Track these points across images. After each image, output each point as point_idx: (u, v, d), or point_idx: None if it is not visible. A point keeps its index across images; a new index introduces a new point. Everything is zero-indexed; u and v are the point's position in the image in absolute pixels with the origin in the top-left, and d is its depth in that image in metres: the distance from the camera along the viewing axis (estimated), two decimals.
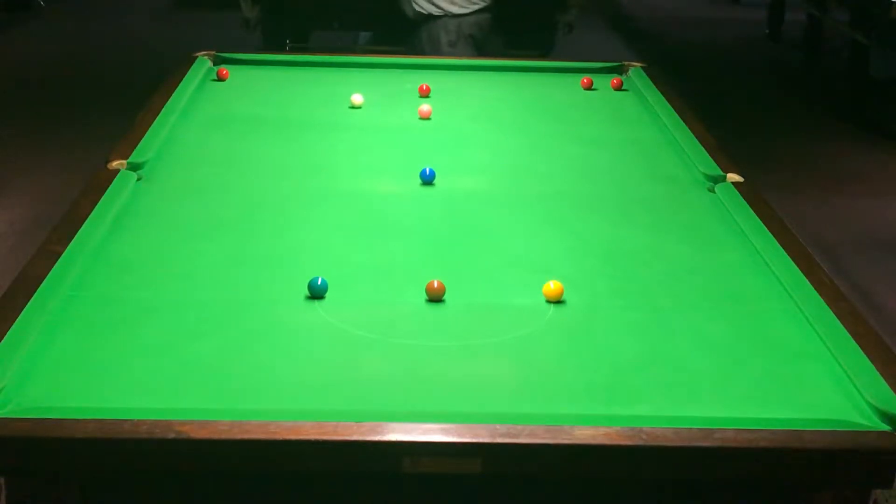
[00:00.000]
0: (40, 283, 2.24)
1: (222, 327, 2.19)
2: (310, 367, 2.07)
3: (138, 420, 1.80)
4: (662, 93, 3.80)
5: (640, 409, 1.94)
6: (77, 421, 1.80)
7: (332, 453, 1.80)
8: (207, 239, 2.62)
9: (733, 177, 3.01)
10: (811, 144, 6.69)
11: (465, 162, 3.26)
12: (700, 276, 2.51)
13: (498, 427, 1.82)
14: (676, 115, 3.56)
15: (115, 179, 2.85)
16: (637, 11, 10.46)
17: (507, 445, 1.80)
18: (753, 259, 2.57)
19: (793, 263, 2.46)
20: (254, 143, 3.34)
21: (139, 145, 3.11)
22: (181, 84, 3.72)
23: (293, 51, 5.69)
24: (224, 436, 1.79)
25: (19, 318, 2.09)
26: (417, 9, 5.02)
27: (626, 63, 4.21)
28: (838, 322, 2.19)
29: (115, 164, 2.96)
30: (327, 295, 2.31)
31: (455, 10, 4.98)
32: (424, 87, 3.84)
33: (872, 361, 2.04)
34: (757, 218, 2.73)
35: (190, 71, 3.88)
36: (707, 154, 3.19)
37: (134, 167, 2.97)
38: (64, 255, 2.38)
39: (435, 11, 5.06)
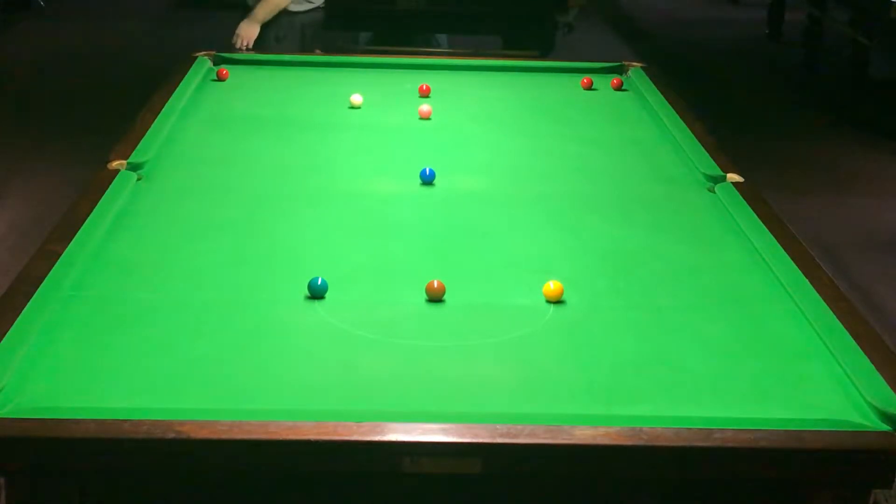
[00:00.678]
0: (40, 283, 2.24)
1: (222, 327, 2.19)
2: (309, 367, 2.07)
3: (138, 420, 1.80)
4: (662, 93, 3.80)
5: (640, 409, 1.94)
6: (77, 421, 1.80)
7: (331, 453, 1.80)
8: (207, 239, 2.62)
9: (733, 177, 3.01)
10: (811, 144, 6.69)
11: (465, 162, 3.26)
12: (700, 276, 2.51)
13: (498, 427, 1.82)
14: (676, 115, 3.56)
15: (115, 179, 2.85)
16: (637, 11, 10.45)
17: (507, 445, 1.80)
18: (753, 259, 2.57)
19: (793, 263, 2.46)
20: (254, 142, 3.34)
21: (139, 145, 3.11)
22: (181, 84, 3.72)
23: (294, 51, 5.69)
24: (224, 436, 1.78)
25: (19, 318, 2.09)
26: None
27: (626, 63, 4.21)
28: (838, 322, 2.19)
29: (115, 164, 2.96)
30: (327, 295, 2.31)
31: (293, 7, 5.11)
32: (424, 87, 3.83)
33: (872, 361, 2.04)
34: (757, 218, 2.73)
35: (190, 71, 3.88)
36: (707, 154, 3.19)
37: (134, 167, 2.97)
38: (64, 255, 2.38)
39: None
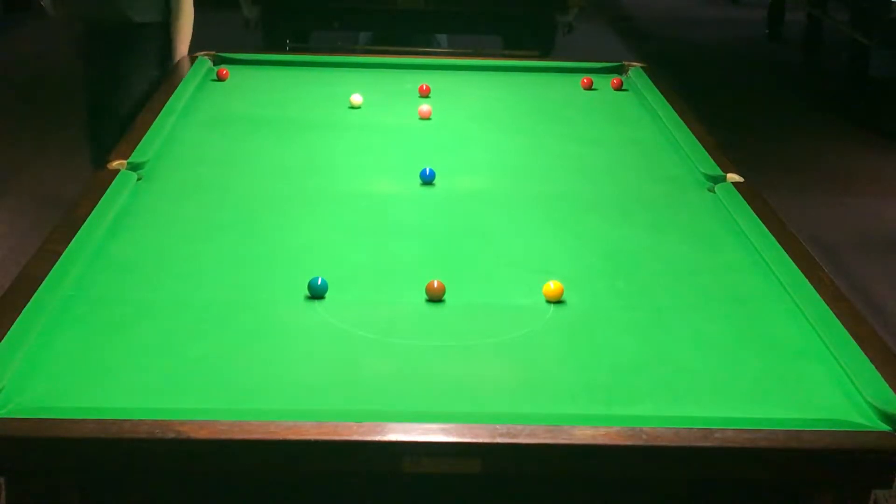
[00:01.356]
0: (40, 283, 2.24)
1: (222, 327, 2.20)
2: (310, 367, 2.07)
3: (138, 420, 1.80)
4: (662, 93, 3.80)
5: (640, 409, 1.94)
6: (77, 421, 1.80)
7: (332, 453, 1.80)
8: (207, 239, 2.62)
9: (733, 177, 3.02)
10: (811, 144, 6.69)
11: (465, 162, 3.26)
12: (700, 276, 2.51)
13: (498, 427, 1.82)
14: (676, 115, 3.56)
15: (115, 179, 2.85)
16: (637, 11, 10.46)
17: (507, 445, 1.80)
18: (753, 259, 2.57)
19: (793, 263, 2.46)
20: (254, 143, 3.34)
21: (139, 145, 3.11)
22: (181, 84, 3.73)
23: (293, 51, 5.69)
24: (224, 436, 1.79)
25: (19, 318, 2.09)
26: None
27: (626, 63, 4.21)
28: (838, 322, 2.19)
29: (115, 164, 2.96)
30: (327, 295, 2.31)
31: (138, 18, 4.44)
32: (424, 87, 3.84)
33: (872, 361, 2.04)
34: (757, 218, 2.73)
35: (190, 71, 3.88)
36: (707, 154, 3.19)
37: (134, 167, 2.97)
38: (64, 255, 2.38)
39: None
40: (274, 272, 2.45)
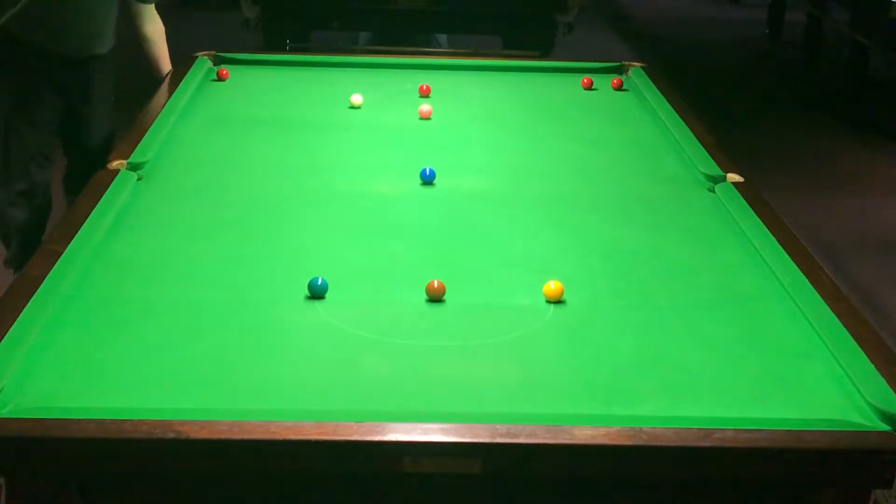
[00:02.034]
0: (40, 283, 2.24)
1: (222, 327, 2.20)
2: (310, 367, 2.07)
3: (138, 420, 1.80)
4: (662, 93, 3.80)
5: (640, 409, 1.94)
6: (77, 421, 1.80)
7: (332, 453, 1.80)
8: (207, 239, 2.62)
9: (733, 177, 3.02)
10: (811, 144, 6.69)
11: (465, 162, 3.26)
12: (700, 276, 2.51)
13: (498, 427, 1.82)
14: (676, 115, 3.56)
15: (115, 179, 2.85)
16: (637, 11, 10.46)
17: (507, 445, 1.80)
18: (753, 259, 2.57)
19: (793, 263, 2.46)
20: (254, 143, 3.34)
21: (139, 145, 3.11)
22: (181, 84, 3.73)
23: (293, 51, 5.69)
24: (224, 436, 1.79)
25: (19, 318, 2.09)
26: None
27: (626, 63, 4.21)
28: (838, 322, 2.20)
29: (115, 164, 2.96)
30: (327, 295, 2.31)
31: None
32: (424, 87, 3.84)
33: (872, 361, 2.04)
34: (757, 218, 2.73)
35: (190, 71, 3.88)
36: (707, 154, 3.19)
37: (134, 167, 2.97)
38: (64, 255, 2.38)
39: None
40: (274, 272, 2.45)
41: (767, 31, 9.34)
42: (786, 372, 2.10)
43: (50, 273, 2.29)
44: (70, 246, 2.43)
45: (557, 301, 2.32)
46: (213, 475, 1.88)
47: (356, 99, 3.70)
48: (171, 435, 1.78)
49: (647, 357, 2.14)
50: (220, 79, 3.93)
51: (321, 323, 2.23)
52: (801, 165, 6.31)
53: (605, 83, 4.03)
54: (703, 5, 10.89)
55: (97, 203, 2.68)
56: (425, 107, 3.62)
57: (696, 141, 3.31)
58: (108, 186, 2.80)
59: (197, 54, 4.08)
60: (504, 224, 2.79)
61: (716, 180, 3.02)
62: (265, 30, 6.23)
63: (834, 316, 2.22)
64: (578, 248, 2.65)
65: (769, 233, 2.63)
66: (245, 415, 1.83)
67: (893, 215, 5.59)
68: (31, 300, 2.17)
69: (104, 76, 3.80)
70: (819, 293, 2.32)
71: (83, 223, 2.56)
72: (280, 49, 5.87)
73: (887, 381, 1.97)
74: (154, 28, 3.92)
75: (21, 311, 2.12)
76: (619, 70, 4.17)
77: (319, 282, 2.31)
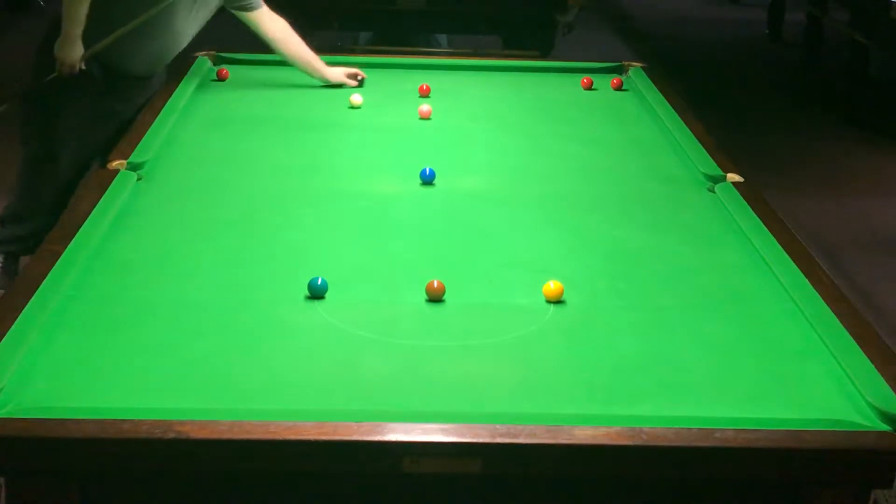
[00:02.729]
0: (40, 283, 2.24)
1: (222, 327, 2.19)
2: (310, 367, 2.07)
3: (138, 420, 1.80)
4: (662, 93, 3.80)
5: (640, 409, 1.94)
6: (77, 421, 1.80)
7: (332, 453, 1.80)
8: (207, 239, 2.62)
9: (733, 177, 3.02)
10: (811, 144, 6.68)
11: (465, 162, 3.26)
12: (700, 276, 2.51)
13: (498, 427, 1.82)
14: (676, 115, 3.56)
15: (115, 179, 2.85)
16: (637, 11, 10.45)
17: (507, 445, 1.80)
18: (753, 259, 2.57)
19: (793, 263, 2.46)
20: (254, 143, 3.34)
21: (139, 145, 3.11)
22: (181, 84, 3.73)
23: None
24: (224, 436, 1.79)
25: (19, 318, 2.09)
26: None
27: (626, 63, 4.21)
28: (838, 322, 2.19)
29: (115, 164, 2.96)
30: (327, 295, 2.31)
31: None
32: (424, 87, 3.84)
33: (872, 361, 2.04)
34: (757, 218, 2.73)
35: (190, 71, 3.88)
36: (707, 154, 3.20)
37: (134, 167, 2.97)
38: (64, 255, 2.38)
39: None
40: (274, 272, 2.45)
41: (767, 31, 9.34)
42: (786, 372, 2.10)
43: (50, 273, 2.29)
44: (70, 246, 2.43)
45: (557, 301, 2.32)
46: (213, 475, 1.88)
47: (356, 99, 3.70)
48: (171, 435, 1.78)
49: (647, 357, 2.14)
50: (220, 79, 3.93)
51: (321, 323, 2.23)
52: (801, 165, 6.30)
53: (605, 83, 4.03)
54: (703, 5, 10.89)
55: (97, 203, 2.68)
56: (425, 107, 3.62)
57: (696, 141, 3.31)
58: (108, 186, 2.80)
59: (197, 54, 4.08)
60: (504, 224, 2.79)
61: (716, 180, 3.02)
62: None
63: (834, 316, 2.22)
64: (578, 248, 2.65)
65: (769, 233, 2.63)
66: (245, 415, 1.83)
67: (893, 215, 5.58)
68: (31, 300, 2.16)
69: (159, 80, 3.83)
70: (819, 293, 2.32)
71: (83, 223, 2.56)
72: None
73: (887, 381, 1.97)
74: (276, 27, 3.84)
75: (21, 311, 2.12)
76: (619, 70, 4.17)
77: (319, 282, 2.31)
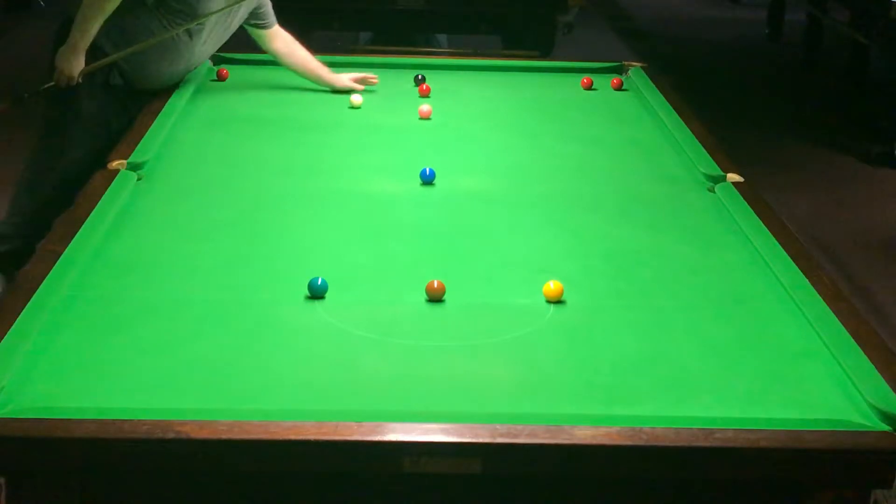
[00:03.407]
0: (40, 283, 2.24)
1: (222, 327, 2.19)
2: (310, 367, 2.07)
3: (138, 420, 1.80)
4: (662, 93, 3.80)
5: (640, 409, 1.94)
6: (77, 421, 1.80)
7: (332, 453, 1.80)
8: (207, 239, 2.62)
9: (733, 177, 3.02)
10: (811, 144, 6.68)
11: (465, 162, 3.26)
12: (700, 276, 2.51)
13: (498, 427, 1.82)
14: (676, 115, 3.56)
15: (115, 179, 2.85)
16: (637, 11, 10.45)
17: (507, 445, 1.80)
18: (753, 259, 2.57)
19: (793, 263, 2.46)
20: (254, 143, 3.34)
21: (139, 145, 3.11)
22: (181, 84, 3.72)
23: None
24: (224, 436, 1.78)
25: (19, 318, 2.09)
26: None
27: (626, 63, 4.22)
28: (838, 322, 2.19)
29: (115, 164, 2.96)
30: (327, 295, 2.31)
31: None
32: (424, 87, 3.84)
33: (872, 361, 2.04)
34: (757, 218, 2.73)
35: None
36: (707, 154, 3.20)
37: (134, 167, 2.97)
38: (64, 255, 2.38)
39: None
40: (274, 272, 2.45)
41: (767, 32, 9.33)
42: (786, 372, 2.10)
43: (50, 273, 2.29)
44: (70, 246, 2.43)
45: (557, 301, 2.32)
46: (213, 475, 1.88)
47: (356, 99, 3.70)
48: (171, 435, 1.78)
49: (647, 357, 2.13)
50: (220, 79, 3.93)
51: (321, 323, 2.23)
52: (800, 165, 6.30)
53: (605, 83, 4.03)
54: (703, 5, 10.89)
55: (97, 203, 2.68)
56: (425, 107, 3.62)
57: (696, 141, 3.31)
58: (108, 186, 2.80)
59: None
60: (504, 224, 2.79)
61: (716, 180, 3.02)
62: None
63: (834, 316, 2.22)
64: (578, 248, 2.65)
65: (769, 233, 2.63)
66: (245, 415, 1.83)
67: (893, 215, 5.59)
68: (31, 300, 2.16)
69: None
70: (819, 293, 2.32)
71: (83, 223, 2.56)
72: None
73: (887, 381, 1.97)
74: (285, 41, 3.87)
75: (21, 311, 2.12)
76: (619, 70, 4.17)
77: (319, 282, 2.31)
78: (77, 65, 3.45)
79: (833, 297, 2.30)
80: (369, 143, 3.39)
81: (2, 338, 2.01)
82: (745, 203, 2.83)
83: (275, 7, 3.91)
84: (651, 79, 3.98)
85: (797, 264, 2.45)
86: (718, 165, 3.10)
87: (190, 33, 3.60)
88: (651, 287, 2.45)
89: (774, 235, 2.61)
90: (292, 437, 1.79)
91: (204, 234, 2.66)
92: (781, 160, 6.28)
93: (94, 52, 3.49)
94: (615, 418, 1.87)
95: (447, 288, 2.33)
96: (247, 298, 2.33)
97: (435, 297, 2.32)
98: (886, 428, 1.87)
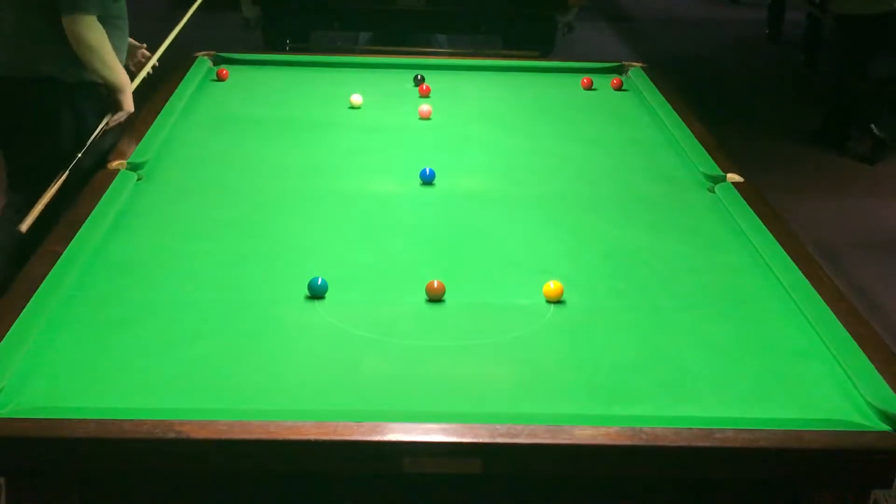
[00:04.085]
0: (40, 283, 2.24)
1: (222, 327, 2.20)
2: (310, 367, 2.07)
3: (138, 420, 1.80)
4: (662, 93, 3.80)
5: (640, 409, 1.94)
6: (77, 421, 1.80)
7: (332, 453, 1.80)
8: (207, 239, 2.62)
9: (733, 177, 3.02)
10: (811, 144, 6.69)
11: (465, 162, 3.26)
12: (700, 276, 2.51)
13: (498, 427, 1.82)
14: (676, 115, 3.56)
15: (115, 179, 2.85)
16: (637, 11, 10.46)
17: (507, 445, 1.80)
18: (753, 259, 2.57)
19: (793, 263, 2.46)
20: (254, 143, 3.34)
21: (139, 145, 3.11)
22: (181, 84, 3.73)
23: (293, 51, 5.70)
24: (224, 436, 1.79)
25: (19, 318, 2.10)
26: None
27: (626, 63, 4.22)
28: (838, 322, 2.20)
29: (115, 164, 2.96)
30: (327, 295, 2.31)
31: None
32: (424, 87, 3.84)
33: (872, 361, 2.04)
34: (757, 218, 2.73)
35: (190, 71, 3.88)
36: (707, 154, 3.20)
37: (134, 167, 2.97)
38: (64, 255, 2.38)
39: None
40: (274, 272, 2.45)
41: (767, 31, 9.34)
42: (786, 372, 2.10)
43: (50, 273, 2.29)
44: (70, 246, 2.43)
45: (557, 301, 2.32)
46: (213, 475, 1.88)
47: (356, 99, 3.70)
48: (171, 435, 1.78)
49: (647, 357, 2.14)
50: (220, 79, 3.93)
51: (321, 323, 2.23)
52: (800, 165, 6.30)
53: (605, 83, 4.03)
54: (703, 5, 10.89)
55: (97, 203, 2.68)
56: (425, 107, 3.62)
57: (696, 141, 3.31)
58: (108, 186, 2.80)
59: (197, 54, 4.08)
60: (504, 224, 2.79)
61: (716, 180, 3.02)
62: (265, 30, 6.24)
63: (834, 316, 2.22)
64: (578, 248, 2.65)
65: (769, 233, 2.63)
66: (245, 415, 1.83)
67: (894, 215, 5.59)
68: (31, 300, 2.17)
69: None
70: (819, 293, 2.32)
71: (83, 223, 2.56)
72: (280, 49, 5.87)
73: (887, 381, 1.97)
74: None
75: (21, 311, 2.12)
76: (619, 70, 4.17)
77: (319, 282, 2.31)
78: (130, 97, 3.46)
79: (833, 298, 2.30)
80: (369, 143, 3.39)
81: (2, 338, 2.02)
82: (745, 203, 2.83)
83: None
84: (651, 79, 3.98)
85: (797, 264, 2.46)
86: (718, 165, 3.10)
87: (123, 26, 3.54)
88: (651, 287, 2.45)
89: (774, 235, 2.61)
90: (292, 437, 1.79)
91: (204, 234, 2.66)
92: (781, 160, 6.28)
93: (60, 85, 3.39)
94: (615, 418, 1.87)
95: (447, 288, 2.33)
96: (247, 298, 2.33)
97: (435, 297, 2.32)
98: (886, 428, 1.87)
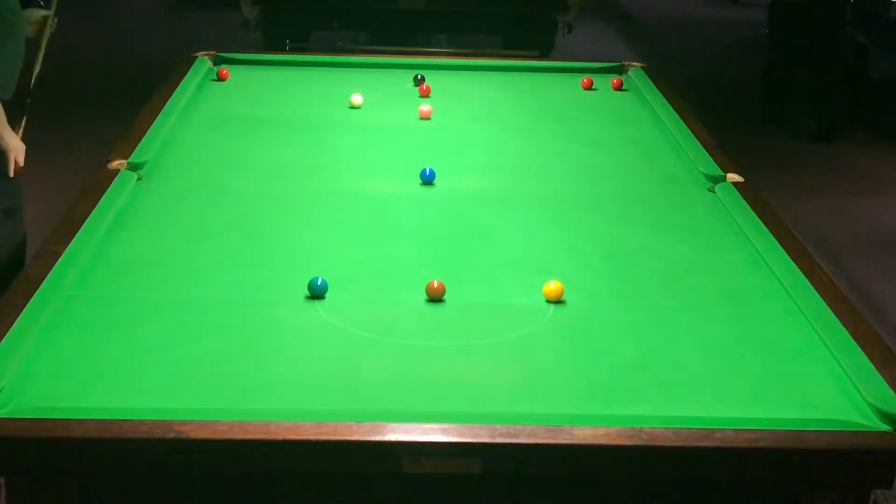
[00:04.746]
0: (40, 283, 2.24)
1: (222, 327, 2.19)
2: (310, 367, 2.07)
3: (138, 420, 1.80)
4: (662, 93, 3.80)
5: (640, 409, 1.94)
6: (77, 421, 1.80)
7: (332, 453, 1.80)
8: (208, 239, 2.62)
9: (733, 177, 3.02)
10: (811, 144, 6.69)
11: (465, 162, 3.26)
12: (700, 276, 2.51)
13: (498, 427, 1.82)
14: (676, 115, 3.56)
15: (115, 179, 2.85)
16: (637, 11, 10.46)
17: (507, 445, 1.80)
18: (753, 259, 2.57)
19: (793, 263, 2.46)
20: (254, 143, 3.34)
21: (139, 145, 3.11)
22: (181, 84, 3.73)
23: (293, 51, 5.70)
24: (224, 436, 1.78)
25: (19, 318, 2.09)
26: None
27: (626, 63, 4.22)
28: (838, 322, 2.19)
29: (115, 164, 2.96)
30: (327, 295, 2.31)
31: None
32: (424, 87, 3.84)
33: (872, 361, 2.04)
34: (757, 218, 2.73)
35: (190, 71, 3.88)
36: (707, 154, 3.20)
37: (134, 167, 2.97)
38: (64, 255, 2.38)
39: None
40: (274, 272, 2.45)
41: (767, 31, 9.34)
42: (786, 372, 2.10)
43: (50, 273, 2.29)
44: (70, 246, 2.43)
45: (557, 301, 2.32)
46: (213, 475, 1.88)
47: (356, 99, 3.70)
48: (171, 435, 1.78)
49: (647, 357, 2.14)
50: (220, 79, 3.93)
51: (321, 323, 2.23)
52: (801, 165, 6.31)
53: (605, 83, 4.03)
54: (703, 5, 10.89)
55: (97, 203, 2.68)
56: (425, 107, 3.62)
57: (696, 141, 3.31)
58: (108, 186, 2.80)
59: (197, 54, 4.08)
60: (504, 224, 2.79)
61: (716, 180, 3.02)
62: (265, 30, 6.24)
63: (834, 316, 2.22)
64: (578, 248, 2.65)
65: (769, 233, 2.63)
66: (245, 415, 1.83)
67: (894, 215, 5.59)
68: (31, 300, 2.17)
69: None
70: (819, 293, 2.32)
71: (83, 223, 2.56)
72: (280, 49, 5.87)
73: (887, 381, 1.97)
74: None
75: (21, 311, 2.12)
76: (619, 70, 4.17)
77: (319, 282, 2.31)
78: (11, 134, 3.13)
79: (833, 297, 2.30)
80: (369, 142, 3.39)
81: (2, 337, 2.02)
82: (745, 203, 2.83)
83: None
84: (651, 79, 3.98)
85: (797, 264, 2.45)
86: (718, 165, 3.10)
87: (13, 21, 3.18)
88: (651, 287, 2.45)
89: (774, 235, 2.61)
90: (292, 437, 1.79)
91: (204, 234, 2.66)
92: (781, 160, 6.28)
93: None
94: (615, 418, 1.87)
95: (447, 288, 2.33)
96: (247, 298, 2.33)
97: (435, 297, 2.32)
98: (886, 428, 1.87)
